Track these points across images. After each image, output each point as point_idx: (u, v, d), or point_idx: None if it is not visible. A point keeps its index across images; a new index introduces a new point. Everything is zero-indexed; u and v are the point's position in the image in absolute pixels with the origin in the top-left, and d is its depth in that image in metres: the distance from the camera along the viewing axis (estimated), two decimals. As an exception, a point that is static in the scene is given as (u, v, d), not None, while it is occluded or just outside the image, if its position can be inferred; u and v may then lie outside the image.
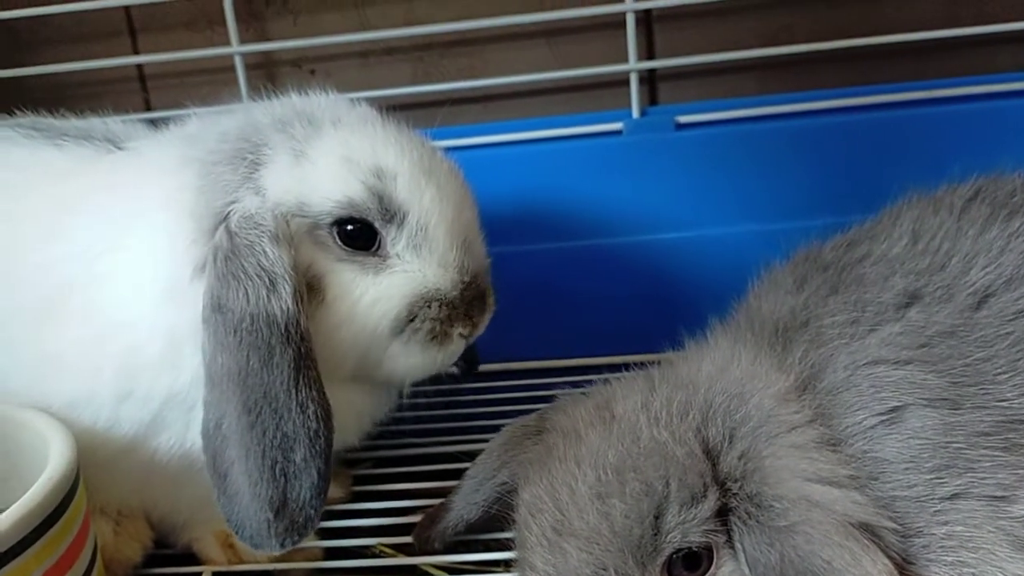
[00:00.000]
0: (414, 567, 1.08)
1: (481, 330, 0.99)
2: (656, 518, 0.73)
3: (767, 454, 0.76)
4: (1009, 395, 0.77)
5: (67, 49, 1.58)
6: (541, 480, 0.81)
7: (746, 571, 0.74)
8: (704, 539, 0.74)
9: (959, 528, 0.74)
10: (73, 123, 1.13)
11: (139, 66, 1.61)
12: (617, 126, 1.45)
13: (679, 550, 0.74)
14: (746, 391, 0.81)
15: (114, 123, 1.14)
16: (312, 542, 1.08)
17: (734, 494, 0.75)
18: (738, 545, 0.75)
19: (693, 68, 1.49)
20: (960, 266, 0.86)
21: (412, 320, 0.93)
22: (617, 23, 1.43)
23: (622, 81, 1.47)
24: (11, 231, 0.99)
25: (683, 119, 1.44)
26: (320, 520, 0.88)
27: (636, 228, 1.43)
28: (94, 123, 1.14)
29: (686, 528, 0.73)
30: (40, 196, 1.01)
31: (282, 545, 0.86)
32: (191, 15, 1.56)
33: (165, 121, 1.10)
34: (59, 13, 1.50)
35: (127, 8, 1.57)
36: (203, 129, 1.00)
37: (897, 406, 0.77)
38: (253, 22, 1.56)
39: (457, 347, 0.97)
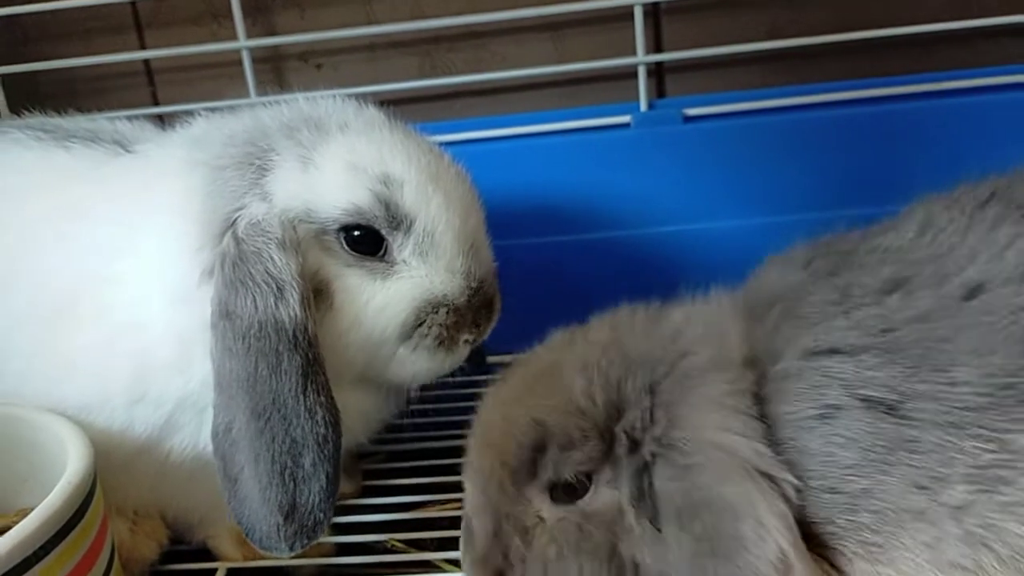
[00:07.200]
0: (426, 562, 1.08)
1: (486, 335, 1.00)
2: (539, 451, 0.81)
3: (684, 403, 0.80)
4: (960, 380, 0.76)
5: (74, 44, 1.58)
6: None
7: (624, 505, 0.79)
8: (574, 476, 0.81)
9: (867, 517, 0.75)
10: (81, 124, 1.13)
11: (146, 61, 1.61)
12: (625, 119, 1.45)
13: (556, 481, 0.81)
14: (691, 350, 0.83)
15: (122, 124, 1.14)
16: (324, 538, 1.09)
17: (650, 437, 0.79)
18: (645, 479, 0.79)
19: (701, 61, 1.47)
20: (959, 260, 0.85)
21: (419, 325, 0.94)
22: (625, 16, 1.42)
23: (630, 74, 1.46)
24: (22, 235, 0.99)
25: (691, 112, 1.43)
26: (329, 523, 0.89)
27: (644, 221, 1.43)
28: (102, 124, 1.14)
29: (559, 465, 0.80)
30: (50, 200, 1.01)
31: (291, 548, 0.87)
32: (197, 10, 1.56)
33: (172, 117, 1.10)
34: (66, 8, 1.50)
35: (133, 3, 1.57)
36: (210, 132, 0.99)
37: (834, 404, 0.78)
38: (260, 16, 1.55)
39: (463, 352, 0.98)
